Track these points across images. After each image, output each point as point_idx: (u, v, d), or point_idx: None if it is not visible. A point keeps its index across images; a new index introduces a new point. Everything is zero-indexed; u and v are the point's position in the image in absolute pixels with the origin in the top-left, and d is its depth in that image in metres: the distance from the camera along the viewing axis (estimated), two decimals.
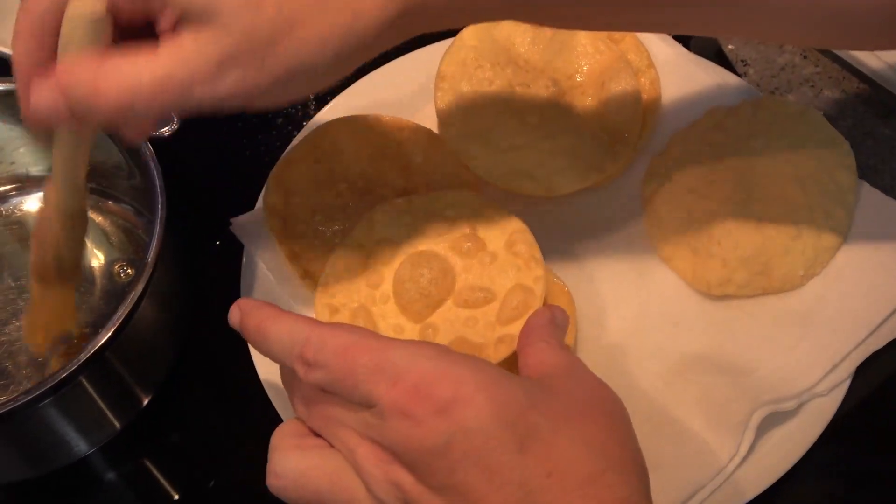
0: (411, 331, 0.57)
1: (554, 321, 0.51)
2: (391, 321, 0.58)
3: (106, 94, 0.44)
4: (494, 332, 0.56)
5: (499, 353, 0.55)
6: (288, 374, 0.49)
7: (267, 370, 0.61)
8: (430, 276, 0.58)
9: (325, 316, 0.59)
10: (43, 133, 0.51)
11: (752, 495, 0.56)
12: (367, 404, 0.42)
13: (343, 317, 0.58)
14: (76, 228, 0.56)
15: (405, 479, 0.41)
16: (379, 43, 0.48)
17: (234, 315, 0.49)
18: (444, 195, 0.62)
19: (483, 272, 0.58)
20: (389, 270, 0.59)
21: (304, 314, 0.57)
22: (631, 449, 0.43)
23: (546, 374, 0.46)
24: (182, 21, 0.44)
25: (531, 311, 0.54)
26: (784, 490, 0.57)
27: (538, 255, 0.59)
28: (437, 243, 0.60)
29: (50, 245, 0.56)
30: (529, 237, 0.60)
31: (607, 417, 0.44)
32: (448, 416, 0.40)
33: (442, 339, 0.56)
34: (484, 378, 0.42)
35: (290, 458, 0.45)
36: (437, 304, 0.58)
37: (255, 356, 0.62)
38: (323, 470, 0.44)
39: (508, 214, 0.61)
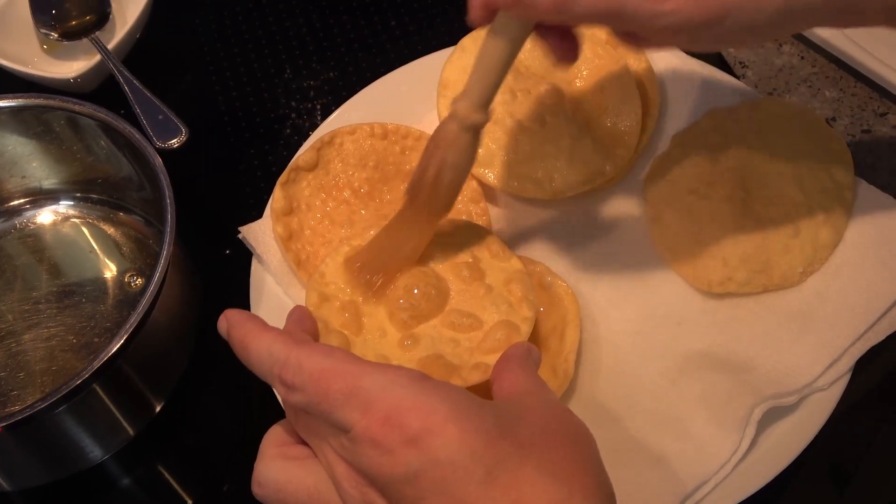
0: (392, 337, 0.58)
1: (531, 354, 0.52)
2: (376, 323, 0.58)
3: None
4: (472, 358, 0.57)
5: (471, 378, 0.55)
6: None
7: None
8: (424, 291, 0.58)
9: (313, 301, 0.58)
10: (484, 22, 0.52)
11: (755, 489, 0.56)
12: (341, 428, 0.43)
13: (331, 307, 0.58)
14: (469, 152, 0.55)
15: (379, 502, 0.42)
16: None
17: (222, 326, 0.49)
18: (454, 221, 0.63)
19: (475, 301, 0.59)
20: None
21: None
22: (596, 475, 0.44)
23: (517, 395, 0.47)
24: None
25: (511, 345, 0.55)
26: (786, 483, 0.58)
27: (532, 297, 0.59)
28: (437, 262, 0.60)
29: (435, 160, 0.55)
30: (527, 280, 0.60)
31: (574, 443, 0.44)
32: (417, 446, 0.41)
33: (420, 351, 0.57)
34: (455, 408, 0.42)
35: (272, 468, 0.46)
36: (424, 319, 0.58)
37: None
38: (303, 483, 0.45)
39: (511, 254, 0.61)
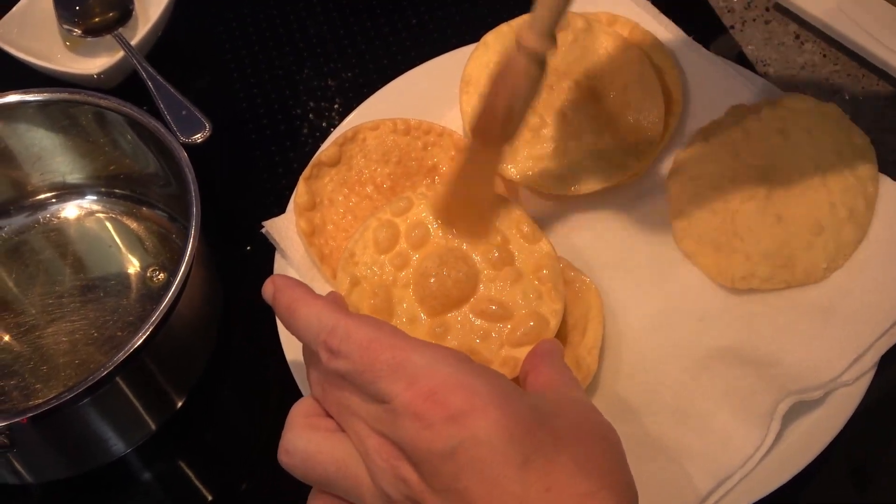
0: (423, 324, 0.58)
1: (562, 351, 0.53)
2: (408, 308, 0.58)
3: None
4: (501, 351, 0.57)
5: (501, 372, 0.55)
6: (309, 353, 0.50)
7: (294, 353, 0.62)
8: (455, 278, 0.58)
9: (344, 285, 0.59)
10: None
11: (778, 484, 0.56)
12: (381, 400, 0.43)
13: (363, 290, 0.59)
14: (536, 81, 0.55)
15: (411, 476, 0.42)
16: None
17: (268, 290, 0.50)
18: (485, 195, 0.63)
19: (505, 289, 0.59)
20: (417, 256, 0.60)
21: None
22: (624, 472, 0.45)
23: (552, 390, 0.48)
24: None
25: (541, 340, 0.56)
26: (808, 481, 0.58)
27: (561, 286, 0.59)
28: (467, 244, 0.60)
29: (505, 93, 0.55)
30: (557, 266, 0.60)
31: (605, 442, 0.45)
32: (459, 424, 0.41)
33: (451, 340, 0.57)
34: (497, 392, 0.43)
35: (301, 438, 0.46)
36: (455, 306, 0.58)
37: (283, 337, 0.63)
38: (331, 455, 0.45)
39: (542, 235, 0.61)
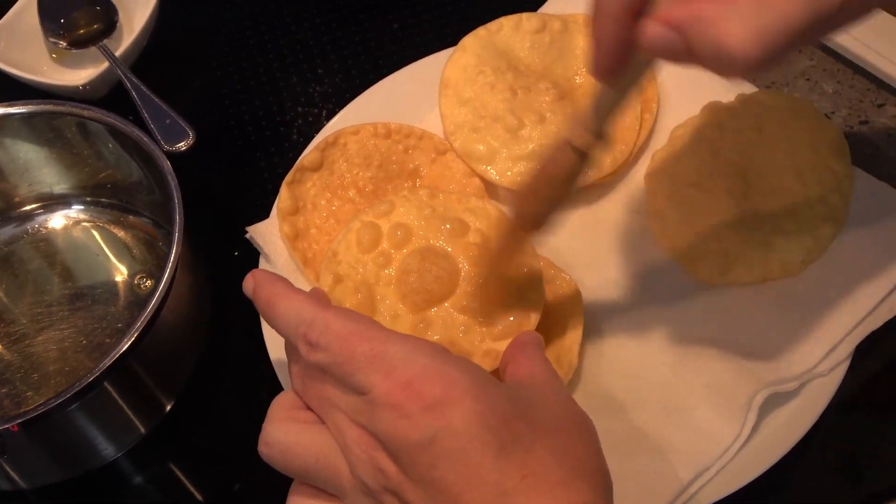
0: (406, 319, 0.59)
1: (541, 343, 0.54)
2: (389, 305, 0.59)
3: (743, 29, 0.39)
4: (483, 344, 0.58)
5: (482, 365, 0.56)
6: (290, 347, 0.50)
7: (278, 352, 0.63)
8: (436, 274, 0.59)
9: (327, 282, 0.60)
10: (610, 78, 0.48)
11: (757, 473, 0.57)
12: (360, 391, 0.44)
13: (346, 288, 0.60)
14: (576, 172, 0.53)
15: (389, 466, 0.43)
16: None
17: (249, 284, 0.51)
18: (466, 199, 0.64)
19: (486, 283, 0.59)
20: (399, 255, 0.60)
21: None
22: (599, 463, 0.45)
23: (533, 384, 0.49)
24: None
25: (521, 332, 0.57)
26: (788, 468, 0.58)
27: (541, 283, 0.60)
28: (449, 243, 0.61)
29: (543, 180, 0.54)
30: (537, 263, 0.61)
31: (581, 433, 0.46)
32: (435, 413, 0.42)
33: (433, 335, 0.58)
34: (474, 382, 0.43)
35: (280, 430, 0.47)
36: (436, 302, 0.59)
37: (267, 335, 0.64)
38: (310, 446, 0.46)
39: (523, 235, 0.62)
